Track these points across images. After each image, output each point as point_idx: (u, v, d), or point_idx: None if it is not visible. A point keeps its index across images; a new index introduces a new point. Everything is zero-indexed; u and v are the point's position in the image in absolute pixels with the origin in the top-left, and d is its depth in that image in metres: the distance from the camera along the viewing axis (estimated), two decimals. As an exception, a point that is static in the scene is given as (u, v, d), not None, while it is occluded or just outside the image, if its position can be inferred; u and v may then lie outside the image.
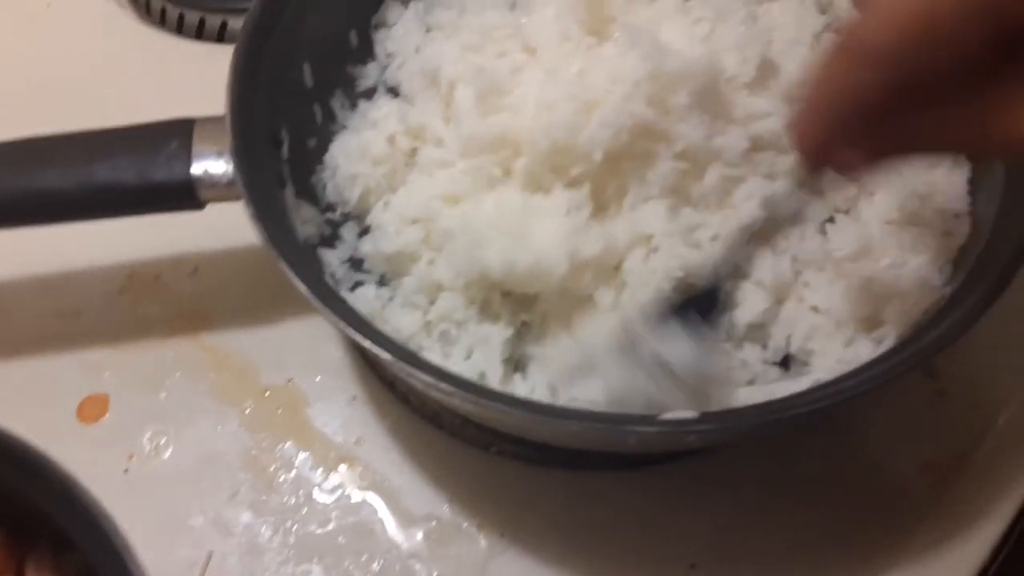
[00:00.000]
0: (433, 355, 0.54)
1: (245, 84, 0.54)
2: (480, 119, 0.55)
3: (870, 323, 0.54)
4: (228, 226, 0.66)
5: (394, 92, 0.64)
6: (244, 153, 0.52)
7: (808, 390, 0.47)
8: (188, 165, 0.53)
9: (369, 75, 0.64)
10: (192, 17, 0.79)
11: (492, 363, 0.54)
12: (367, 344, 0.46)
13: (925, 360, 0.46)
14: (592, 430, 0.45)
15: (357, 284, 0.57)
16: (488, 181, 0.55)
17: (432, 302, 0.55)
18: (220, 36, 0.79)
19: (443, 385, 0.45)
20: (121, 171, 0.54)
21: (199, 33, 0.79)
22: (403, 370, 0.46)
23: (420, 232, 0.56)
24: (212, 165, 0.53)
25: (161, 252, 0.66)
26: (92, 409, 0.60)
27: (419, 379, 0.46)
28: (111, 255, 0.67)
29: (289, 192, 0.56)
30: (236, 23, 0.78)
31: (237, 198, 0.52)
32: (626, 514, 0.56)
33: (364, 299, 0.55)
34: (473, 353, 0.54)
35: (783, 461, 0.57)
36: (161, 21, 0.81)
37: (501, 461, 0.58)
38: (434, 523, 0.56)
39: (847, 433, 0.58)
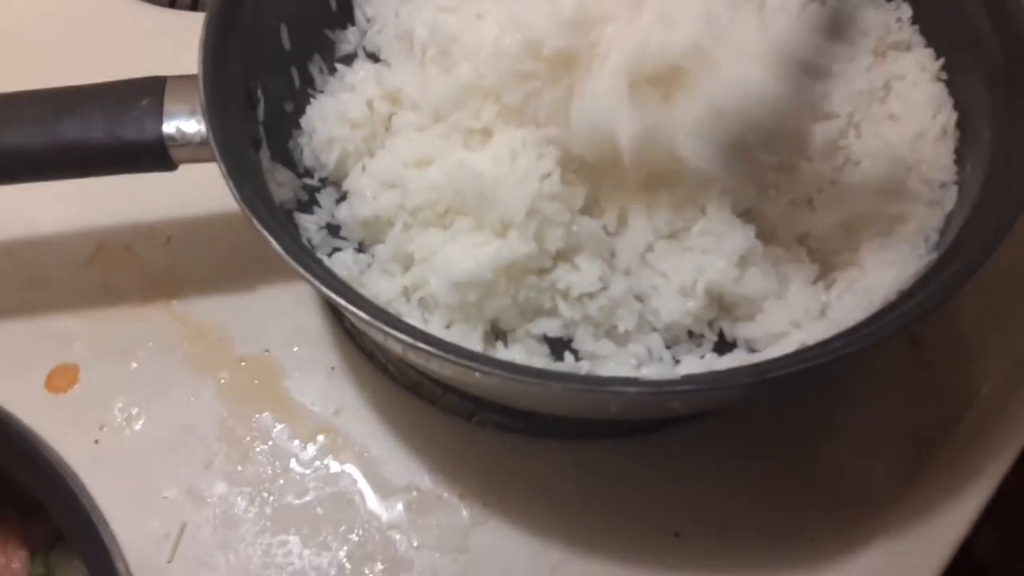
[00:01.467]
0: (413, 321, 0.53)
1: (218, 41, 0.52)
2: (444, 74, 0.54)
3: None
4: (203, 195, 0.65)
5: (374, 58, 0.62)
6: (217, 110, 0.50)
7: (793, 352, 0.46)
8: (160, 123, 0.52)
9: (349, 40, 0.63)
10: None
11: (474, 331, 0.53)
12: (342, 303, 0.45)
13: (910, 324, 0.45)
14: (574, 391, 0.44)
15: (335, 250, 0.56)
16: (463, 138, 0.54)
17: (407, 269, 0.54)
18: (194, 5, 0.77)
19: (421, 345, 0.44)
20: (90, 129, 0.52)
21: (172, 2, 0.77)
22: (380, 330, 0.45)
23: (397, 197, 0.54)
24: (185, 124, 0.52)
25: (133, 221, 0.65)
26: (61, 379, 0.58)
27: (397, 339, 0.44)
28: (81, 224, 0.65)
29: (265, 154, 0.54)
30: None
31: (211, 159, 0.50)
32: (609, 484, 0.55)
33: (342, 264, 0.54)
34: (454, 323, 0.53)
35: (769, 432, 0.57)
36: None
37: (483, 431, 0.57)
38: (415, 493, 0.55)
39: (834, 404, 0.58)
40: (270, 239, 0.46)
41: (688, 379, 0.45)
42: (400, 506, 0.55)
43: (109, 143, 0.52)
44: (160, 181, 0.65)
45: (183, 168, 0.61)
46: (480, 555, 0.53)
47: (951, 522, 0.54)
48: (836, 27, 0.48)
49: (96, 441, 0.56)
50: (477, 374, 0.44)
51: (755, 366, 0.45)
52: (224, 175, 0.48)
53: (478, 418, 0.57)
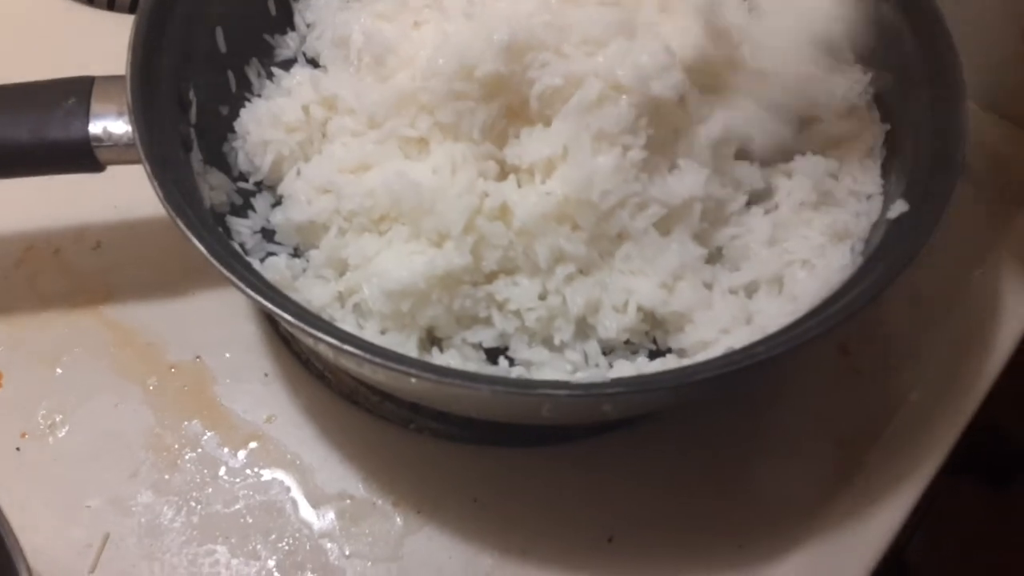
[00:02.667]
0: (346, 327, 0.52)
1: (149, 41, 0.52)
2: (380, 82, 0.54)
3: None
4: (134, 200, 0.64)
5: (314, 63, 0.62)
6: (144, 111, 0.50)
7: (719, 356, 0.47)
8: (86, 123, 0.51)
9: (288, 45, 0.63)
10: (122, -8, 0.76)
11: (408, 339, 0.52)
12: (266, 304, 0.44)
13: (831, 329, 0.46)
14: (503, 394, 0.44)
15: (269, 255, 0.55)
16: (401, 146, 0.54)
17: (341, 274, 0.54)
18: (132, 8, 0.76)
19: (348, 348, 0.43)
20: (13, 128, 0.51)
21: (110, 4, 0.76)
22: (304, 333, 0.44)
23: (332, 202, 0.54)
24: (112, 124, 0.51)
25: (63, 225, 0.63)
26: (-18, 384, 0.57)
27: (320, 340, 0.44)
28: (8, 227, 0.63)
29: (196, 157, 0.54)
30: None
31: (138, 160, 0.49)
32: (544, 489, 0.55)
33: (275, 268, 0.53)
34: (388, 330, 0.53)
35: (700, 438, 0.57)
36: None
37: (420, 438, 0.57)
38: (347, 501, 0.54)
39: (764, 410, 0.59)
40: (194, 240, 0.45)
41: (616, 382, 0.45)
42: (332, 514, 0.54)
43: (33, 143, 0.51)
44: (91, 185, 0.64)
45: (114, 173, 0.60)
46: (413, 563, 0.53)
47: (878, 526, 0.55)
48: None
49: (17, 448, 0.55)
50: (412, 379, 0.44)
51: (681, 369, 0.46)
52: (149, 176, 0.48)
53: (415, 425, 0.57)
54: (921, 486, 0.57)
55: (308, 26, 0.63)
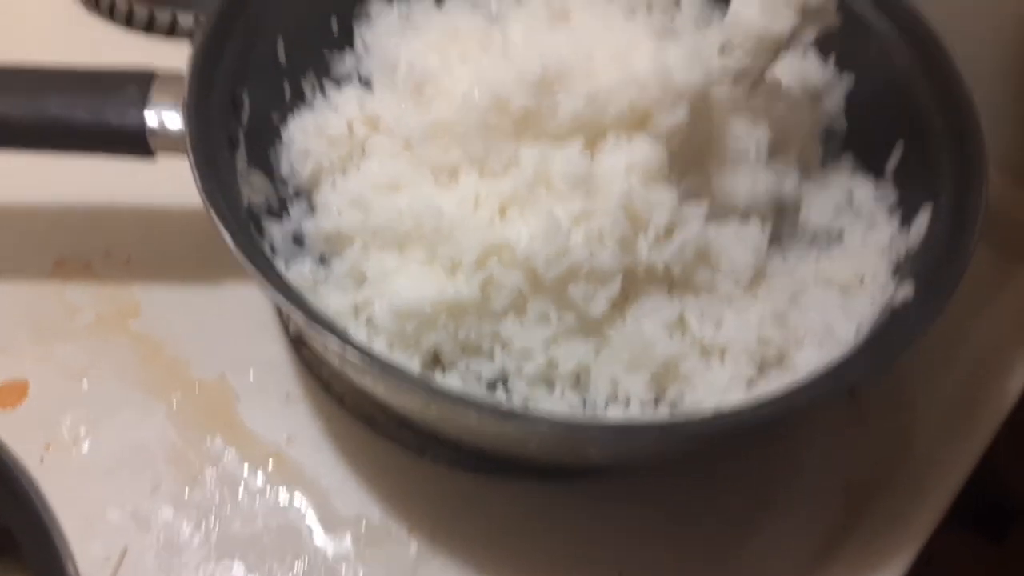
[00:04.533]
0: (358, 338, 0.53)
1: (213, 44, 0.54)
2: (419, 109, 0.56)
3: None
4: (166, 218, 0.65)
5: (367, 84, 0.64)
6: (197, 107, 0.51)
7: (708, 417, 0.47)
8: (143, 111, 0.53)
9: (346, 63, 0.65)
10: (141, 10, 0.78)
11: (411, 359, 0.53)
12: (278, 298, 0.45)
13: (812, 404, 0.47)
14: (488, 416, 0.45)
15: (296, 259, 0.57)
16: (433, 172, 0.56)
17: (359, 287, 0.55)
18: (171, 31, 0.78)
19: (335, 345, 0.44)
20: (74, 108, 0.54)
21: (149, 27, 0.78)
22: (311, 330, 0.45)
23: (360, 216, 0.56)
24: (167, 116, 0.53)
25: (94, 239, 0.65)
26: (9, 395, 0.57)
27: (327, 343, 0.45)
28: (40, 238, 0.64)
29: (241, 156, 0.55)
30: (186, 19, 0.78)
31: (184, 151, 0.51)
32: (557, 524, 0.56)
33: (299, 273, 0.54)
34: (395, 348, 0.54)
35: (711, 478, 0.58)
36: (110, 14, 0.80)
37: (436, 467, 0.57)
38: (363, 525, 0.55)
39: (772, 452, 0.60)
40: (221, 228, 0.47)
41: (597, 424, 0.46)
42: (348, 538, 0.55)
43: (90, 123, 0.53)
44: (124, 200, 0.66)
45: (147, 188, 0.62)
46: (426, 590, 0.54)
47: (886, 572, 0.56)
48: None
49: (41, 460, 0.55)
50: (404, 392, 0.45)
51: (665, 423, 0.47)
52: (192, 166, 0.49)
53: (431, 454, 0.58)
54: (924, 535, 0.57)
55: (366, 47, 0.65)
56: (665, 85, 0.52)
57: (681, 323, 0.54)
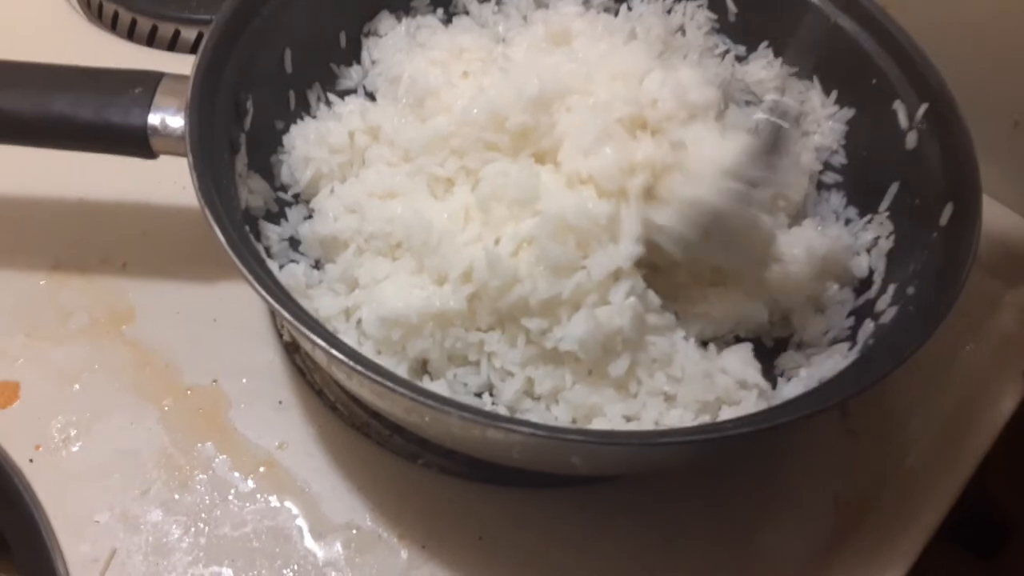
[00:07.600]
0: (347, 340, 0.53)
1: (220, 49, 0.55)
2: (419, 122, 0.57)
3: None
4: (163, 225, 0.66)
5: (372, 97, 0.65)
6: (201, 109, 0.52)
7: (689, 427, 0.48)
8: (146, 112, 0.54)
9: (351, 77, 0.66)
10: (144, 24, 0.79)
11: (399, 365, 0.54)
12: (264, 296, 0.46)
13: (799, 419, 0.47)
14: (471, 422, 0.44)
15: (291, 262, 0.57)
16: (429, 182, 0.56)
17: (351, 291, 0.56)
18: (172, 44, 0.79)
19: (336, 352, 0.44)
20: (79, 105, 0.54)
21: (150, 40, 0.79)
22: (292, 326, 0.45)
23: (355, 222, 0.56)
24: (170, 118, 0.54)
25: (91, 244, 0.65)
26: (0, 395, 0.57)
27: (309, 339, 0.45)
28: (37, 242, 0.65)
29: (242, 160, 0.56)
30: (189, 33, 0.79)
31: (185, 153, 0.51)
32: (547, 530, 0.56)
33: (291, 275, 0.54)
34: (383, 353, 0.54)
35: (702, 488, 0.58)
36: (112, 26, 0.81)
37: (428, 473, 0.57)
38: (354, 532, 0.55)
39: (766, 468, 0.60)
40: (215, 227, 0.47)
41: (578, 431, 0.46)
42: (338, 544, 0.54)
43: (94, 122, 0.54)
44: (121, 207, 0.66)
45: (144, 195, 0.62)
46: (416, 597, 0.53)
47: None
48: (775, 146, 0.52)
49: (31, 460, 0.55)
50: (389, 394, 0.44)
51: (646, 433, 0.48)
52: (190, 165, 0.50)
53: (424, 460, 0.58)
54: (915, 551, 0.57)
55: (372, 62, 0.66)
56: (681, 99, 0.54)
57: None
